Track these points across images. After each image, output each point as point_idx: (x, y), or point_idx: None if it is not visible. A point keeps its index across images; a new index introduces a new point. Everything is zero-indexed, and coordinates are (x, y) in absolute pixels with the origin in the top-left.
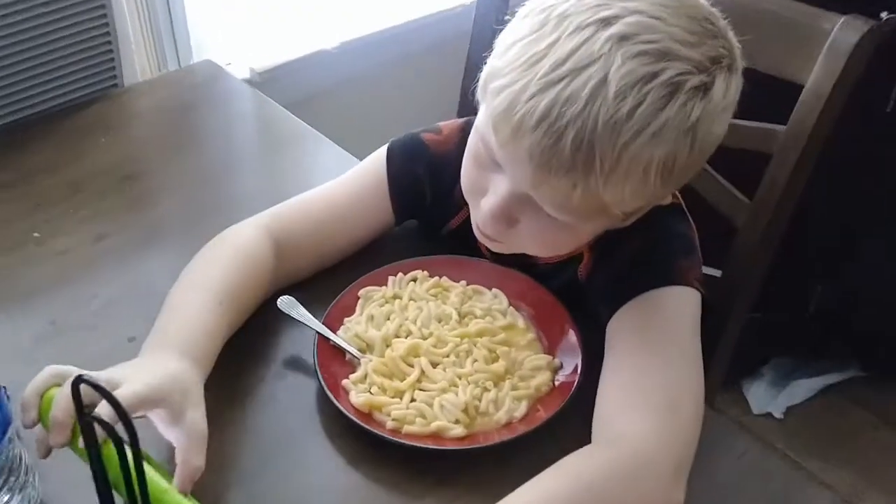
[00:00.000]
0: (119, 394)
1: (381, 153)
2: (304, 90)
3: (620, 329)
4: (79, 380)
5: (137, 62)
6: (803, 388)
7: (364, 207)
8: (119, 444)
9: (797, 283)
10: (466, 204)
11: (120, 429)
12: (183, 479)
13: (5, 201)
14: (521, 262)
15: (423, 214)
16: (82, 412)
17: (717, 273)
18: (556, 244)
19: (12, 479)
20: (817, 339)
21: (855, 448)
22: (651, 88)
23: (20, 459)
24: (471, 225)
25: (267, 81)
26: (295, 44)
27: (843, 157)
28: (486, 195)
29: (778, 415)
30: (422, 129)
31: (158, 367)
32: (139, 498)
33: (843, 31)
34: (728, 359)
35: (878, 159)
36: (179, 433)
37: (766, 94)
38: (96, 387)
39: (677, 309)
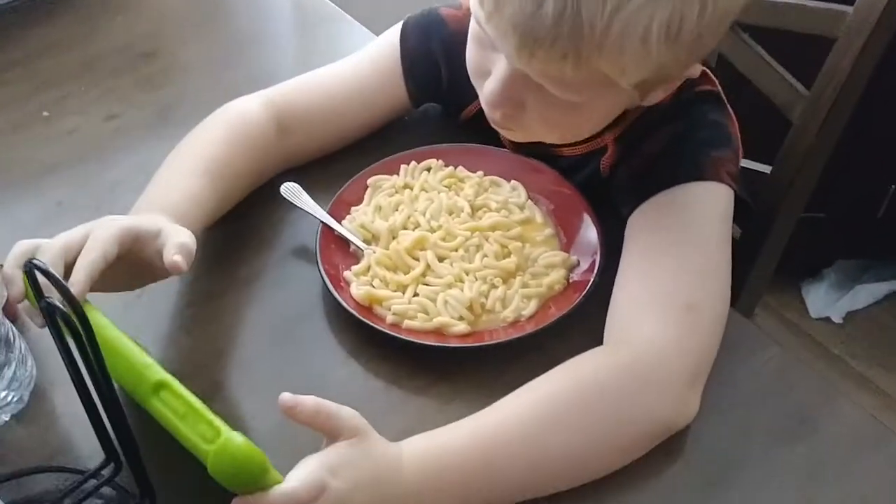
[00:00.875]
0: (93, 239)
1: (396, 29)
2: None
3: (640, 225)
4: (30, 265)
5: None
6: (866, 293)
7: (376, 86)
8: (74, 328)
9: (867, 184)
10: None
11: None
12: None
13: (15, 80)
14: (543, 154)
15: (440, 97)
16: (41, 297)
17: (766, 169)
18: (569, 126)
19: (3, 354)
20: (885, 243)
21: None
22: None
23: (11, 336)
24: (484, 116)
25: None
26: None
27: None
28: (489, 77)
29: (837, 319)
30: (441, 5)
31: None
32: (99, 376)
33: None
34: (774, 262)
35: None
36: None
37: None
38: (46, 273)
39: (704, 205)
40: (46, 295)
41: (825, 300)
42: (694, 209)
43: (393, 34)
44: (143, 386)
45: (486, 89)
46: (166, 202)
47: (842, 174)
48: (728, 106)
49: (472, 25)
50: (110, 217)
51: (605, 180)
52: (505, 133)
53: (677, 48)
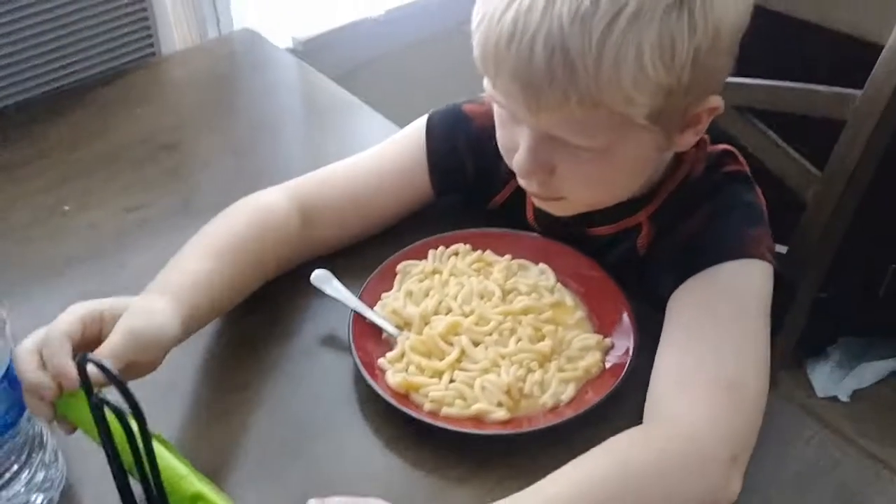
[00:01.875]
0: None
1: (420, 124)
2: (348, 61)
3: (683, 303)
4: (84, 359)
5: (176, 31)
6: (872, 371)
7: (400, 181)
8: (127, 425)
9: (869, 262)
10: (513, 177)
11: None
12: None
13: (34, 175)
14: (575, 235)
15: (465, 190)
16: (91, 393)
17: (783, 249)
18: (604, 180)
19: (34, 455)
20: (887, 322)
21: None
22: None
23: (42, 437)
24: (518, 199)
25: (310, 52)
26: (339, 12)
27: None
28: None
29: (844, 398)
30: (464, 100)
31: (148, 318)
32: (151, 481)
33: None
34: (793, 340)
35: None
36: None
37: (840, 59)
38: (102, 368)
39: (747, 283)
40: (95, 390)
41: (831, 379)
42: (737, 287)
43: (417, 130)
44: (178, 495)
45: (516, 161)
46: (170, 284)
47: (843, 253)
48: (756, 186)
49: (495, 108)
50: (121, 307)
51: (640, 260)
52: (548, 207)
53: (678, 69)
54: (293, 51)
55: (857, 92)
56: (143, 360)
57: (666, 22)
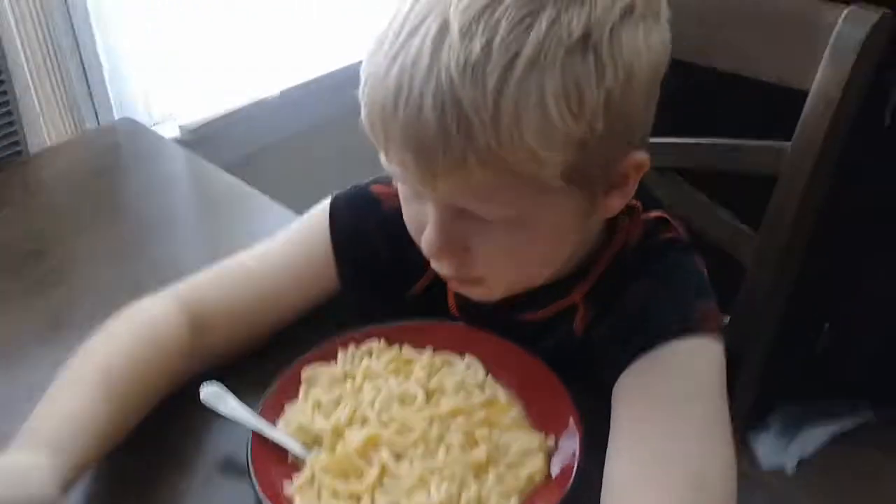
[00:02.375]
0: None
1: (322, 208)
2: (243, 148)
3: (630, 391)
4: None
5: (51, 127)
6: (815, 437)
7: (302, 274)
8: None
9: (801, 323)
10: (430, 266)
11: None
12: None
13: None
14: (504, 324)
15: (378, 280)
16: None
17: (725, 319)
18: (525, 255)
19: None
20: (826, 383)
21: (878, 497)
22: (502, 14)
23: None
24: (439, 288)
25: (200, 140)
26: (231, 96)
27: (840, 181)
28: None
29: (790, 468)
30: (371, 180)
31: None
32: None
33: (849, 25)
34: (743, 414)
35: (879, 182)
36: None
37: (766, 111)
38: None
39: (699, 363)
40: None
41: (774, 448)
42: (689, 367)
43: (319, 215)
44: None
45: (424, 240)
46: (51, 434)
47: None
48: (696, 254)
49: (399, 186)
50: None
51: (579, 344)
52: (467, 292)
53: (589, 117)
54: (181, 140)
55: (787, 144)
56: None
57: (569, 66)
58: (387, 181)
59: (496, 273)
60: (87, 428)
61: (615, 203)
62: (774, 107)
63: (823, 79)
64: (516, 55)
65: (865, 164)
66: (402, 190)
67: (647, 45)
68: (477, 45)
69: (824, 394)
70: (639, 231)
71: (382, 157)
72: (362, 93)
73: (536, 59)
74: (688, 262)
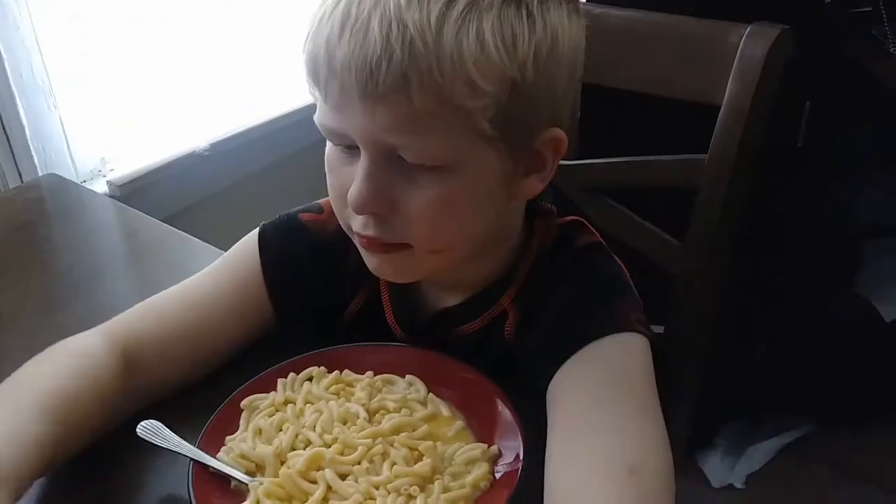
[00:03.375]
0: None
1: (251, 238)
2: (174, 202)
3: (564, 390)
4: None
5: None
6: (761, 452)
7: (234, 304)
8: None
9: (738, 340)
10: (364, 286)
11: None
12: None
13: None
14: (442, 339)
15: (311, 305)
16: None
17: (660, 329)
18: (446, 213)
19: None
20: (767, 398)
21: None
22: None
23: None
24: (375, 306)
25: (129, 195)
26: (159, 150)
27: (766, 200)
28: None
29: (739, 485)
30: (298, 209)
31: None
32: None
33: (752, 41)
34: (683, 431)
35: (803, 200)
36: None
37: (683, 128)
38: None
39: (625, 358)
40: None
41: (723, 467)
42: (615, 363)
43: (248, 245)
44: None
45: (351, 193)
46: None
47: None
48: (614, 255)
49: (326, 154)
50: None
51: (513, 347)
52: (391, 269)
53: (521, 61)
54: (110, 195)
55: (703, 156)
56: None
57: (505, 12)
58: (315, 209)
59: (419, 231)
60: (28, 450)
61: (534, 185)
62: (687, 124)
63: (733, 93)
64: None
65: (782, 181)
66: (331, 157)
67: (570, 24)
68: None
69: (767, 409)
70: (554, 234)
71: (318, 113)
72: (306, 39)
73: (476, 1)
74: (605, 262)
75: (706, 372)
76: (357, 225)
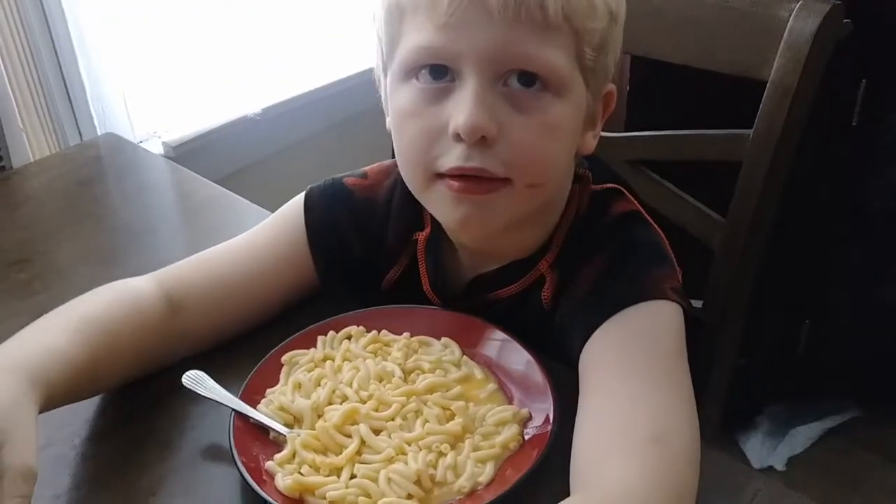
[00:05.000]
0: None
1: (297, 201)
2: (226, 164)
3: (594, 358)
4: None
5: (35, 147)
6: (803, 436)
7: (279, 262)
8: None
9: (782, 322)
10: (402, 254)
11: None
12: None
13: None
14: (478, 303)
15: (353, 269)
16: None
17: (698, 303)
18: (552, 134)
19: None
20: (811, 381)
21: (866, 492)
22: None
23: None
24: (413, 274)
25: (183, 156)
26: (213, 114)
27: (814, 181)
28: (449, 128)
29: (780, 467)
30: (344, 174)
31: None
32: None
33: (802, 17)
34: (719, 409)
35: (852, 181)
36: None
37: (727, 100)
38: None
39: (656, 326)
40: None
41: (764, 449)
42: (647, 330)
43: (294, 207)
44: None
45: (462, 120)
46: (23, 359)
47: (756, 315)
48: (653, 223)
49: (403, 101)
50: None
51: (548, 315)
52: (479, 214)
53: (613, 6)
54: (165, 156)
55: (748, 131)
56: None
57: None
58: (359, 175)
59: (525, 162)
60: (60, 363)
61: (589, 142)
62: (734, 98)
63: (780, 69)
64: None
65: (833, 160)
66: (411, 100)
67: None
68: None
69: (810, 393)
70: (590, 200)
71: (417, 38)
72: None
73: None
74: (642, 230)
75: (745, 350)
76: (457, 159)
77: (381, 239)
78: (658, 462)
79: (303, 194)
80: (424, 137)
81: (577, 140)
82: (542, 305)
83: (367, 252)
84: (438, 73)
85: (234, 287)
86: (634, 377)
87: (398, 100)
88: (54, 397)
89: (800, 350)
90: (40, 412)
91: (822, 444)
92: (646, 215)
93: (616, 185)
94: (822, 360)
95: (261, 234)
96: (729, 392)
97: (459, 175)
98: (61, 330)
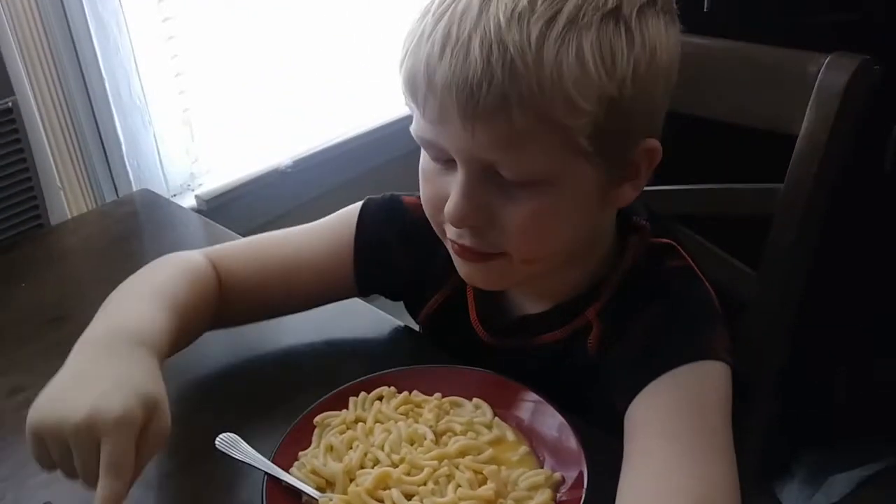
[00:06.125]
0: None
1: (353, 210)
2: (258, 216)
3: (644, 416)
4: None
5: (73, 203)
6: (841, 484)
7: (322, 264)
8: None
9: (818, 368)
10: (450, 279)
11: None
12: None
13: None
14: (522, 344)
15: (394, 288)
16: None
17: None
18: (543, 225)
19: None
20: (848, 429)
21: None
22: None
23: None
24: (455, 304)
25: (216, 209)
26: (243, 167)
27: (848, 229)
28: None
29: None
30: (403, 193)
31: (116, 377)
32: None
33: (831, 71)
34: (756, 458)
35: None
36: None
37: (758, 156)
38: None
39: (710, 389)
40: None
41: (801, 497)
42: (698, 394)
43: (350, 212)
44: None
45: (449, 206)
46: (134, 330)
47: (790, 362)
48: (705, 280)
49: (421, 165)
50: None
51: (593, 365)
52: (486, 278)
53: (620, 79)
54: (198, 210)
55: (779, 186)
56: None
57: (604, 30)
58: (418, 194)
59: (517, 242)
60: (159, 330)
61: (627, 193)
62: (764, 153)
63: (810, 124)
64: (558, 11)
65: (867, 206)
66: (426, 167)
67: (667, 34)
68: (524, 1)
69: (848, 440)
70: (645, 253)
71: (414, 124)
72: (403, 56)
73: (575, 18)
74: (698, 287)
75: (781, 401)
76: (452, 233)
77: (430, 261)
78: None
79: (360, 203)
80: (433, 203)
81: (592, 209)
82: (587, 353)
83: (414, 272)
84: (438, 155)
85: (278, 278)
86: (680, 442)
87: (421, 156)
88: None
89: (836, 396)
90: None
91: (861, 492)
92: (699, 273)
93: (671, 241)
94: (859, 407)
95: (310, 234)
96: (765, 439)
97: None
98: (149, 303)
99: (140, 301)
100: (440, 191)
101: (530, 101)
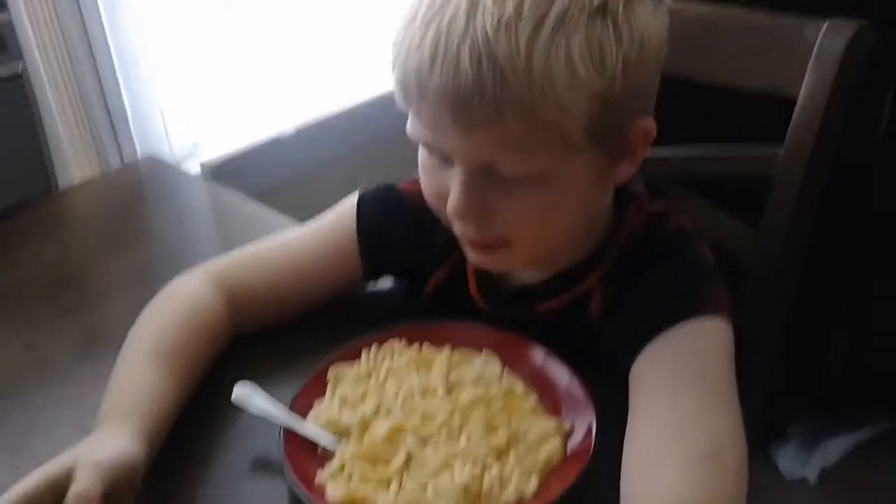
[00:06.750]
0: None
1: (349, 204)
2: (262, 183)
3: (647, 370)
4: None
5: (75, 164)
6: (836, 447)
7: (327, 262)
8: None
9: (812, 332)
10: (450, 257)
11: None
12: None
13: None
14: (524, 312)
15: (399, 271)
16: None
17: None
18: (543, 213)
19: None
20: (842, 392)
21: None
22: None
23: None
24: (461, 276)
25: (220, 176)
26: (247, 134)
27: (839, 189)
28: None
29: (813, 479)
30: (396, 181)
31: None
32: None
33: (830, 37)
34: (758, 417)
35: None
36: None
37: (757, 118)
38: None
39: (710, 342)
40: None
41: (796, 460)
42: (701, 346)
43: (347, 209)
44: None
45: (450, 203)
46: (131, 407)
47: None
48: (702, 241)
49: (421, 156)
50: (85, 451)
51: (596, 330)
52: (490, 261)
53: (610, 76)
54: (202, 177)
55: (778, 148)
56: (116, 492)
57: (591, 28)
58: (411, 180)
59: (519, 232)
60: (158, 401)
61: (626, 170)
62: (763, 116)
63: (809, 87)
64: (544, 16)
65: (860, 172)
66: (425, 161)
67: (656, 20)
68: (509, 7)
69: (843, 404)
70: (644, 219)
71: (410, 126)
72: (394, 63)
73: (563, 20)
74: (695, 248)
75: (780, 364)
76: (457, 226)
77: (430, 241)
78: (712, 477)
79: (356, 198)
80: (436, 197)
81: (592, 192)
82: (591, 320)
83: (415, 255)
84: (436, 154)
85: (288, 285)
86: (686, 393)
87: (419, 151)
88: (161, 433)
89: (832, 361)
90: (152, 456)
91: (856, 456)
92: (694, 234)
93: (665, 208)
94: (856, 372)
95: (313, 234)
96: (765, 403)
97: None
98: (152, 374)
99: (144, 373)
100: (441, 186)
101: (522, 107)
